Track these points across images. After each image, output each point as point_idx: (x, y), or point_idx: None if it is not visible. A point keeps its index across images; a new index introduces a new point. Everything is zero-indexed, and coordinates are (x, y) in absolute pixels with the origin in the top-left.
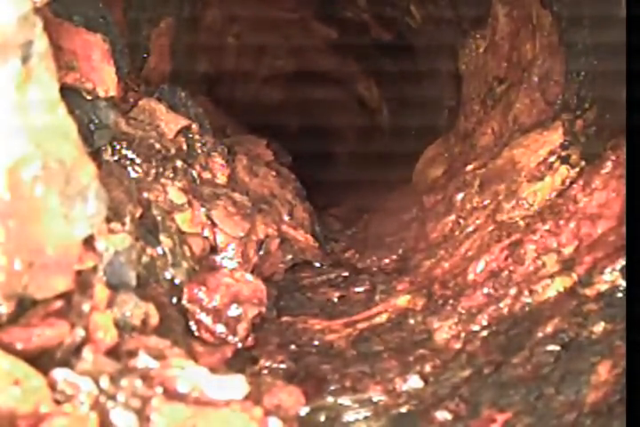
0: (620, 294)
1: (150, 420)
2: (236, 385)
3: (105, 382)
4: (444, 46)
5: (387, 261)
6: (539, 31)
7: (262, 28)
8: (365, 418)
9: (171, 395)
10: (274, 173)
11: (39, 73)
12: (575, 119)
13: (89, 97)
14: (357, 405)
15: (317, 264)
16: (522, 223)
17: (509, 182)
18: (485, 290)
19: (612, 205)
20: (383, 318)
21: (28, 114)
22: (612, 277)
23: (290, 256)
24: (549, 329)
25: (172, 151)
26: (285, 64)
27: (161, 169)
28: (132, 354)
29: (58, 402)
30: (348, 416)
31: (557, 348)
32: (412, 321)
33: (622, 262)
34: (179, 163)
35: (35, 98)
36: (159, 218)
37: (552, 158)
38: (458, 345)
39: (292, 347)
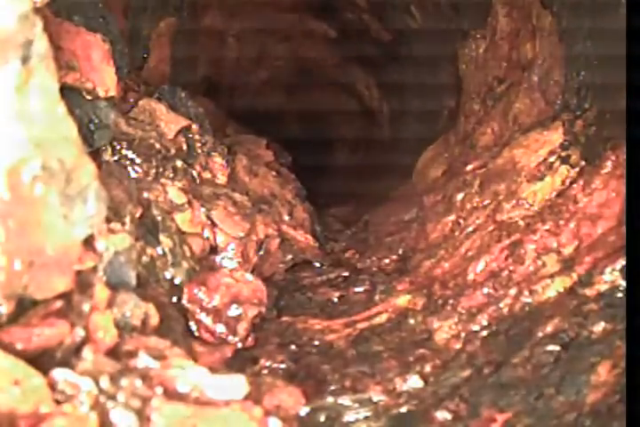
0: (620, 294)
1: (150, 420)
2: (236, 385)
3: (105, 382)
4: (444, 46)
5: (387, 261)
6: (539, 31)
7: (262, 28)
8: (365, 418)
9: (171, 395)
10: (274, 173)
11: (39, 73)
12: (575, 119)
13: (89, 97)
14: (357, 405)
15: (317, 264)
16: (522, 223)
17: (509, 182)
18: (485, 290)
19: (612, 205)
20: (383, 318)
21: (28, 114)
22: (612, 277)
23: (290, 256)
24: (549, 329)
25: (172, 151)
26: (285, 64)
27: (161, 169)
28: (132, 354)
29: (58, 402)
30: (348, 416)
31: (557, 348)
32: (412, 321)
33: (622, 262)
34: (179, 163)
35: (35, 98)
36: (159, 218)
37: (552, 158)
38: (458, 345)
39: (292, 347)
